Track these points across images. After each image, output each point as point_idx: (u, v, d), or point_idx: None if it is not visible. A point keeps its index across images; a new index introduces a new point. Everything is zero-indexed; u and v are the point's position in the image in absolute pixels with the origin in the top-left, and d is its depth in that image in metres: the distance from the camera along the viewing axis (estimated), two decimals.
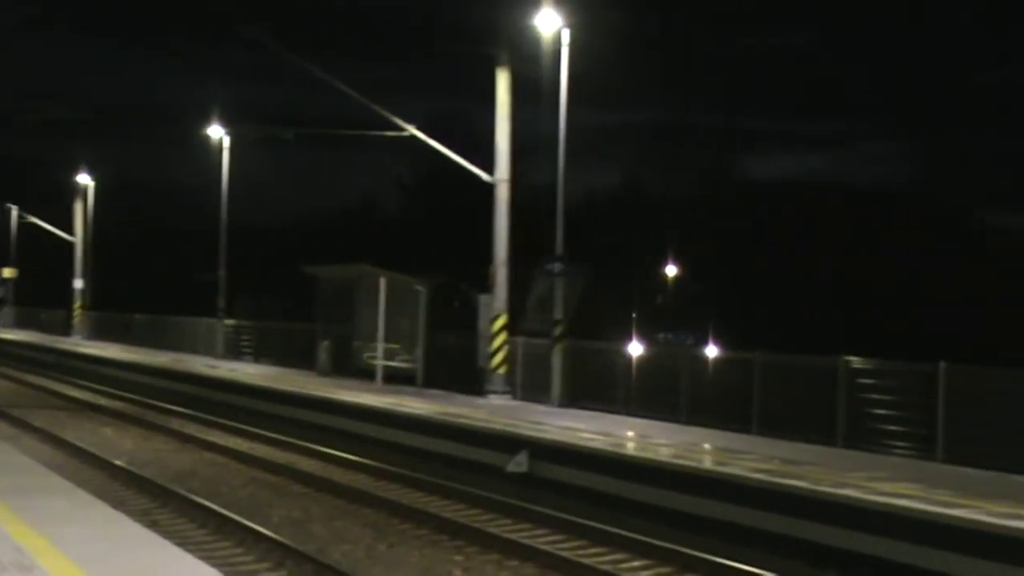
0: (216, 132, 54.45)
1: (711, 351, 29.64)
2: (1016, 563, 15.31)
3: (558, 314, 31.37)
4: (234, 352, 52.89)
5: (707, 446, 23.21)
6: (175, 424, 34.24)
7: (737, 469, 20.23)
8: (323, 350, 42.96)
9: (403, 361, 38.38)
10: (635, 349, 31.35)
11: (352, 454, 27.41)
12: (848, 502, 17.72)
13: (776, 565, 16.51)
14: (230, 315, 54.88)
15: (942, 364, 22.52)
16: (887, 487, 18.31)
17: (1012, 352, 23.29)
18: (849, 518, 17.52)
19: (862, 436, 23.59)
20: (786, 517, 18.45)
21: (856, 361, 24.35)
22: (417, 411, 30.24)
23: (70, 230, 74.60)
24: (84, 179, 73.26)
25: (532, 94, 32.71)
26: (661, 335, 47.08)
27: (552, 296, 31.74)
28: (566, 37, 31.62)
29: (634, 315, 45.44)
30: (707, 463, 20.86)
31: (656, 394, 28.58)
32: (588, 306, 35.60)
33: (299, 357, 45.56)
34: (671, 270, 57.57)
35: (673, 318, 53.08)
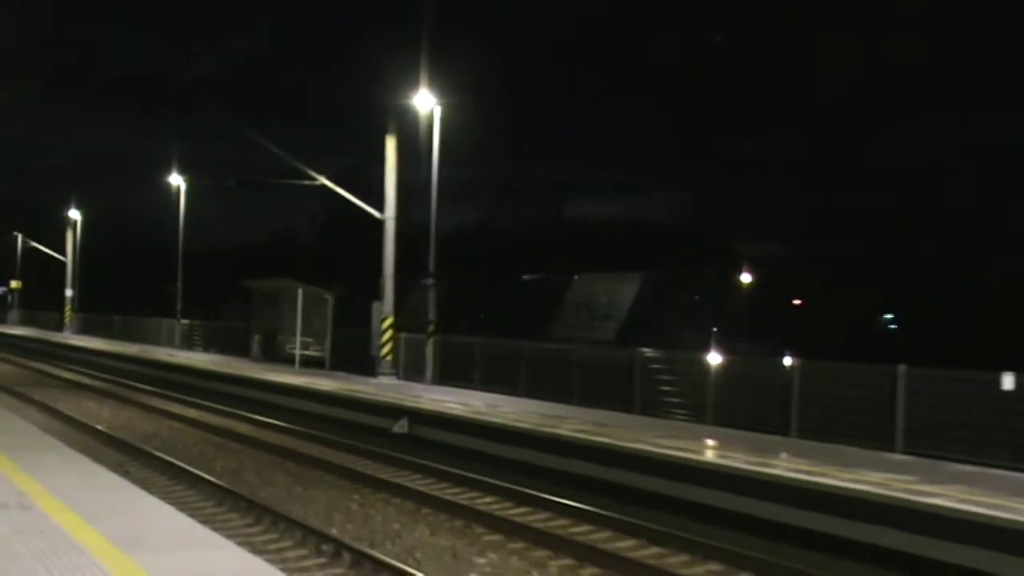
0: (175, 179, 55.52)
1: (542, 344, 29.77)
2: (732, 490, 15.90)
3: (431, 315, 31.85)
4: (188, 344, 52.65)
5: (541, 413, 23.48)
6: (142, 398, 33.84)
7: (562, 430, 20.55)
8: (255, 343, 43.22)
9: (315, 351, 38.52)
10: (481, 339, 31.54)
11: (276, 420, 27.39)
12: (638, 453, 18.13)
13: (589, 501, 16.80)
14: (185, 316, 54.67)
15: (707, 356, 23.01)
16: (669, 443, 18.70)
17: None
18: (644, 466, 17.90)
19: (652, 406, 24.00)
20: (597, 465, 18.79)
21: (648, 353, 24.80)
22: (325, 388, 30.27)
23: (63, 251, 74.36)
24: (73, 213, 73.35)
25: (414, 152, 33.19)
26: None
27: (426, 302, 32.12)
28: (438, 112, 32.20)
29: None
30: (537, 426, 21.11)
31: (502, 374, 28.81)
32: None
33: (237, 348, 45.39)
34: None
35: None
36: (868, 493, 14.15)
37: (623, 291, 37.86)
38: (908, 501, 13.62)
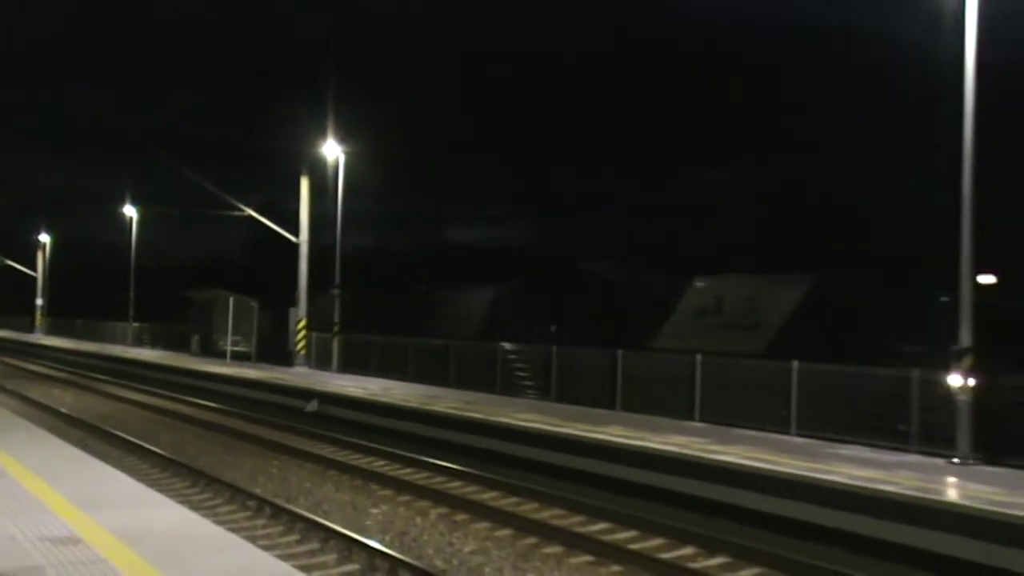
0: (128, 210, 53.98)
1: (426, 340, 29.69)
2: (574, 453, 16.11)
3: (336, 317, 31.62)
4: (139, 343, 51.12)
5: (424, 394, 23.48)
6: (100, 386, 32.77)
7: (439, 407, 20.60)
8: (194, 341, 42.36)
9: (243, 347, 37.91)
10: (377, 336, 31.38)
11: (211, 402, 26.82)
12: (500, 424, 18.28)
13: (461, 462, 16.85)
14: (137, 320, 53.17)
15: (553, 348, 23.30)
16: (523, 415, 18.91)
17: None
18: (503, 434, 18.06)
19: (510, 387, 24.15)
20: (469, 435, 18.89)
21: (507, 346, 24.94)
22: (251, 376, 29.77)
23: (35, 268, 71.84)
24: (43, 237, 71.08)
25: (323, 188, 33.05)
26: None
27: (333, 307, 31.88)
28: (342, 158, 32.34)
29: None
30: (420, 404, 21.13)
31: (394, 364, 28.67)
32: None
33: (179, 346, 44.28)
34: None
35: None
36: (671, 451, 14.54)
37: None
38: (701, 458, 14.04)
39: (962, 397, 14.04)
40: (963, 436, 14.00)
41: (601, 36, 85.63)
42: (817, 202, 53.18)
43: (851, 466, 13.21)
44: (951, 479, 12.43)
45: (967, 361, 14.13)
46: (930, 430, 14.82)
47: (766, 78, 72.84)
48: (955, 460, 13.89)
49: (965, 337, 14.23)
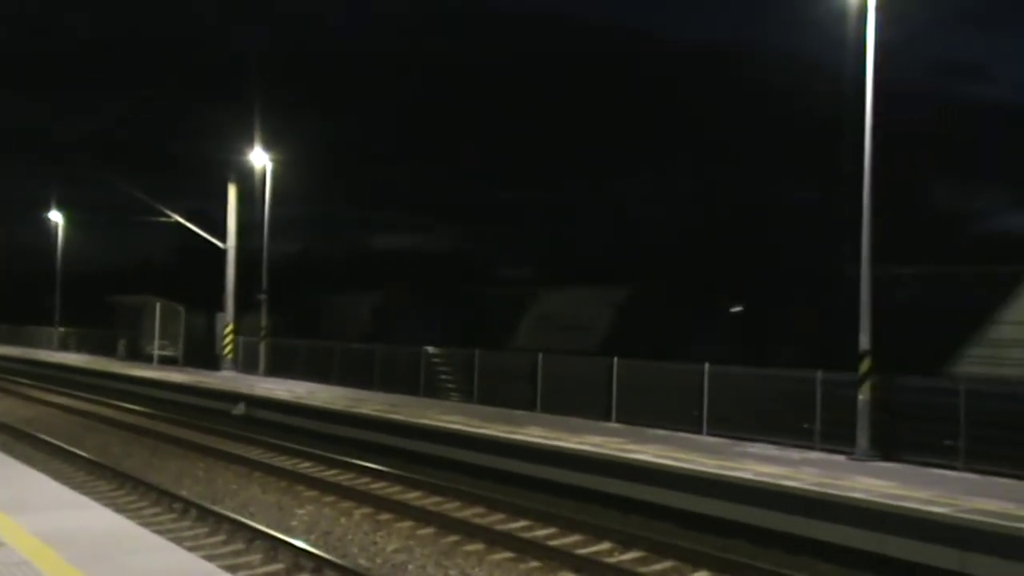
0: (55, 215, 52.37)
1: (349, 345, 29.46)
2: (495, 453, 16.18)
3: (263, 322, 31.22)
4: (64, 347, 49.72)
5: (349, 397, 23.32)
6: (24, 390, 31.78)
7: (364, 409, 20.49)
8: (121, 345, 41.34)
9: (170, 351, 37.19)
10: (303, 340, 31.02)
11: (137, 406, 26.21)
12: (424, 426, 18.25)
13: (385, 463, 16.78)
14: (62, 325, 51.64)
15: (477, 351, 23.34)
16: (446, 417, 18.94)
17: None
18: (426, 435, 18.04)
19: (434, 390, 24.13)
20: (393, 436, 18.82)
21: (431, 350, 24.91)
22: (177, 379, 29.18)
23: None
24: None
25: (252, 196, 32.57)
26: None
27: (260, 312, 31.46)
28: (270, 166, 31.99)
29: None
30: (346, 407, 20.97)
31: (320, 367, 28.42)
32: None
33: (106, 350, 43.13)
34: None
35: None
36: (589, 451, 14.70)
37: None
38: (617, 457, 14.22)
39: (861, 397, 14.50)
40: (862, 433, 14.46)
41: (520, 48, 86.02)
42: (722, 212, 54.36)
43: (758, 463, 13.52)
44: (850, 474, 12.81)
45: (866, 363, 14.60)
46: (832, 428, 15.25)
47: (676, 93, 74.03)
48: (855, 456, 14.33)
49: (864, 340, 14.70)
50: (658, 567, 10.69)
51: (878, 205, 14.88)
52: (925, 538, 10.18)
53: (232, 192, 33.19)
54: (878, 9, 14.88)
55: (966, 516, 10.05)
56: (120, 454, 18.33)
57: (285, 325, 33.87)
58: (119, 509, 11.88)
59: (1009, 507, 10.54)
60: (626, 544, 11.46)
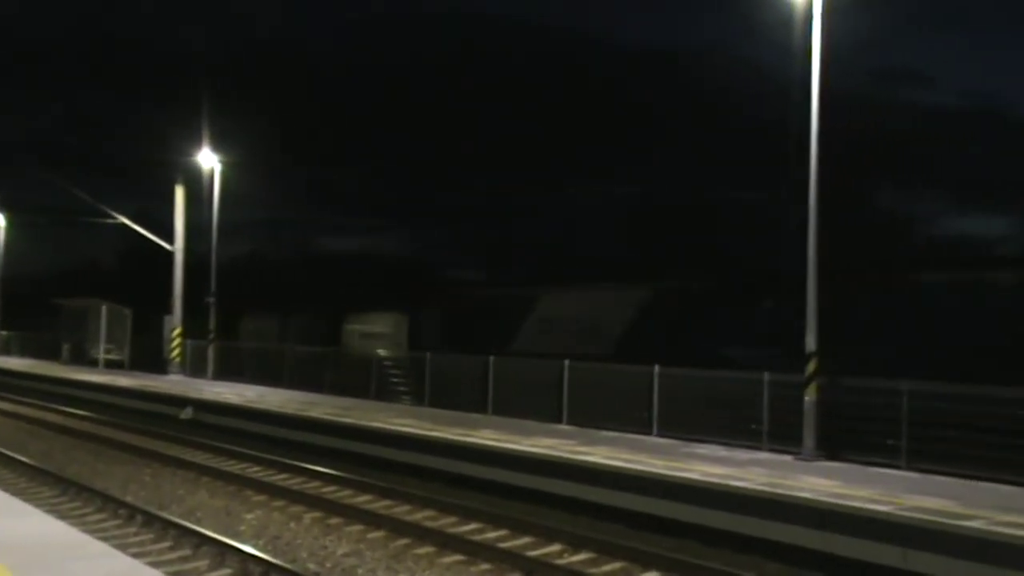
0: None
1: (300, 348, 29.19)
2: (447, 456, 16.16)
3: (211, 325, 30.88)
4: (6, 351, 48.61)
5: (299, 400, 23.13)
6: None
7: (314, 413, 20.35)
8: (65, 349, 40.66)
9: (116, 355, 36.66)
10: (252, 343, 30.67)
11: (81, 411, 25.75)
12: (375, 429, 18.19)
13: (336, 467, 16.69)
14: (4, 329, 50.50)
15: (428, 354, 23.31)
16: (397, 420, 18.88)
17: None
18: (377, 438, 17.97)
19: (385, 394, 24.02)
20: (343, 439, 18.72)
21: (382, 353, 24.82)
22: (123, 384, 28.76)
23: None
24: None
25: (200, 198, 32.18)
26: None
27: (209, 315, 31.11)
28: (218, 168, 31.72)
29: None
30: (296, 411, 20.81)
31: (270, 371, 28.16)
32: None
33: (50, 354, 42.27)
34: None
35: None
36: (540, 453, 14.75)
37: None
38: (568, 459, 14.29)
39: (807, 398, 14.73)
40: (808, 434, 14.69)
41: (465, 49, 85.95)
42: (676, 215, 54.91)
43: (707, 464, 13.68)
44: (796, 474, 13.00)
45: (812, 365, 14.84)
46: (780, 428, 15.47)
47: (627, 96, 74.55)
48: (801, 456, 14.56)
49: (811, 342, 14.94)
50: (608, 568, 10.76)
51: (824, 209, 15.14)
52: (868, 536, 10.37)
53: (180, 194, 32.80)
54: (824, 15, 15.15)
55: (907, 514, 10.27)
56: (63, 460, 18.00)
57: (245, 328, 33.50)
58: (62, 516, 11.66)
59: (948, 505, 10.79)
60: (576, 545, 11.52)
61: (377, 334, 29.36)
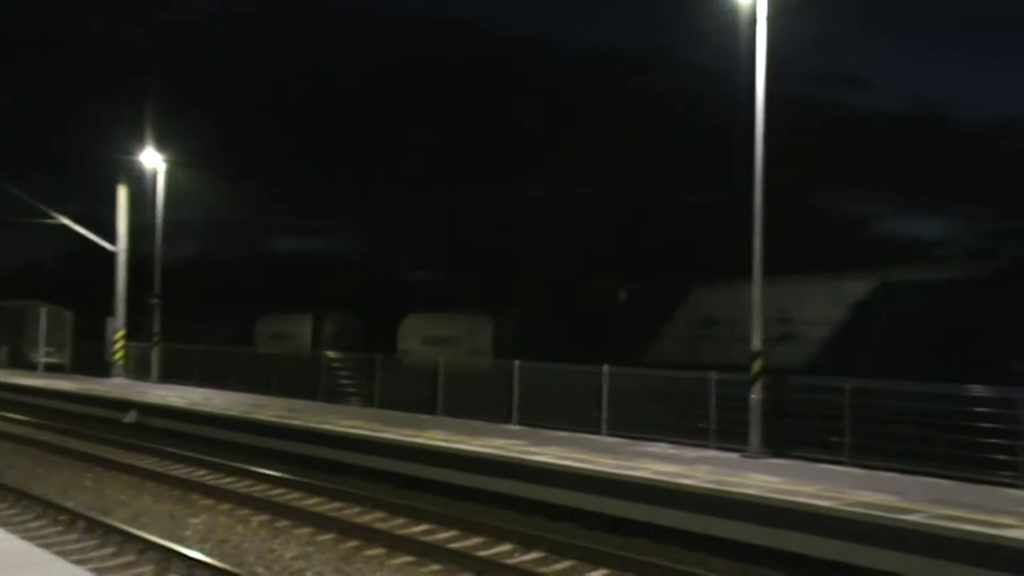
0: None
1: (247, 350, 28.88)
2: (396, 457, 16.09)
3: (155, 327, 30.42)
4: None
5: (246, 403, 22.87)
6: None
7: (262, 415, 20.15)
8: (2, 352, 39.73)
9: (57, 358, 35.95)
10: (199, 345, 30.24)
11: (19, 415, 25.21)
12: (323, 431, 18.06)
13: (284, 470, 16.54)
14: None
15: (377, 356, 23.19)
16: (346, 422, 18.76)
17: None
18: (326, 440, 17.84)
19: (334, 395, 23.87)
20: (291, 442, 18.55)
21: (331, 355, 24.66)
22: (64, 387, 28.22)
23: None
24: None
25: (144, 198, 31.67)
26: None
27: (154, 317, 30.66)
28: (162, 167, 31.22)
29: None
30: (242, 413, 20.58)
31: (216, 373, 27.81)
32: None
33: None
34: None
35: None
36: (490, 453, 14.77)
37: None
38: (518, 459, 14.32)
39: (753, 396, 14.94)
40: (754, 432, 14.90)
41: (413, 51, 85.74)
42: (621, 216, 55.36)
43: (655, 462, 13.80)
44: (742, 471, 13.17)
45: (758, 363, 15.05)
46: (727, 426, 15.66)
47: (575, 98, 74.99)
48: (747, 454, 14.76)
49: (756, 341, 15.16)
50: (558, 567, 10.81)
51: (768, 210, 15.36)
52: (813, 531, 10.55)
53: (122, 193, 32.22)
54: (769, 20, 15.38)
55: (850, 509, 10.47)
56: (1, 465, 17.58)
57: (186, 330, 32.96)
58: (0, 523, 11.40)
59: (890, 499, 11.01)
60: (527, 545, 11.56)
61: (443, 338, 26.40)
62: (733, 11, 15.79)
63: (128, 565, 10.55)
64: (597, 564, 10.75)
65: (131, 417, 23.40)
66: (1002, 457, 12.56)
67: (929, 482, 12.47)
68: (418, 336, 28.07)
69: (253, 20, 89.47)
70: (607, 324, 24.01)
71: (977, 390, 13.21)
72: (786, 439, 14.93)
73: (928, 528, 9.71)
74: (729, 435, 15.50)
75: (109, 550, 11.16)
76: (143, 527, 12.20)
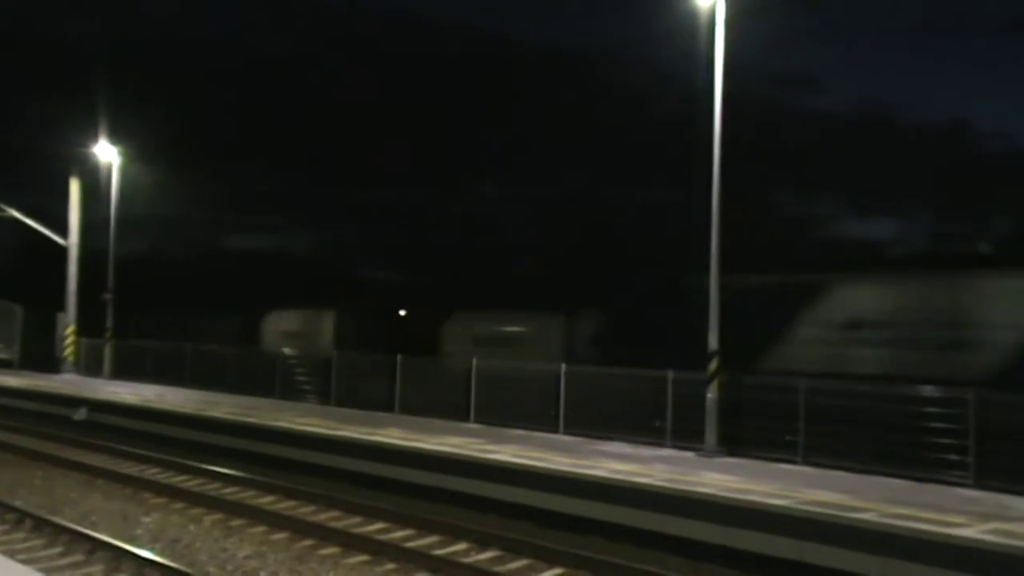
0: None
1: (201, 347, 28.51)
2: (353, 455, 15.99)
3: (108, 323, 29.93)
4: None
5: (200, 400, 22.58)
6: None
7: (216, 413, 19.92)
8: None
9: (5, 354, 35.16)
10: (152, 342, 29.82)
11: None
12: (279, 429, 17.89)
13: (238, 468, 16.36)
14: None
15: (334, 353, 22.97)
16: (303, 420, 18.60)
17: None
18: (281, 438, 17.68)
19: (290, 392, 23.66)
20: (246, 439, 18.35)
21: (287, 352, 24.43)
22: (11, 384, 27.66)
23: None
24: None
25: (97, 193, 31.11)
26: None
27: (106, 312, 30.16)
28: (117, 160, 30.65)
29: None
30: (196, 410, 20.32)
31: (170, 370, 27.43)
32: None
33: None
34: None
35: None
36: (447, 452, 14.71)
37: None
38: (475, 457, 14.28)
39: (709, 395, 15.04)
40: (710, 431, 15.00)
41: (372, 48, 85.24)
42: (588, 215, 55.53)
43: (612, 461, 13.84)
44: (698, 470, 13.25)
45: (714, 363, 15.15)
46: (683, 426, 15.74)
47: (535, 97, 74.99)
48: (703, 453, 14.85)
49: (712, 340, 15.26)
50: (513, 566, 10.79)
51: (725, 211, 15.47)
52: (767, 529, 10.63)
53: (74, 187, 31.64)
54: (727, 23, 15.49)
55: (803, 508, 10.56)
56: None
57: (143, 326, 32.44)
58: None
59: (843, 498, 11.14)
60: (483, 544, 11.52)
61: (504, 338, 23.61)
62: (693, 14, 15.87)
63: (77, 565, 10.35)
64: (553, 563, 10.74)
65: (82, 414, 22.99)
66: (953, 457, 12.76)
67: (881, 481, 12.64)
68: (468, 337, 24.69)
69: (216, 16, 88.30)
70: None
71: (928, 391, 13.42)
72: (742, 438, 15.05)
73: (881, 527, 9.82)
74: (685, 434, 15.58)
75: (57, 549, 10.94)
76: (93, 526, 11.98)
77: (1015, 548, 8.95)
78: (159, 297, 42.30)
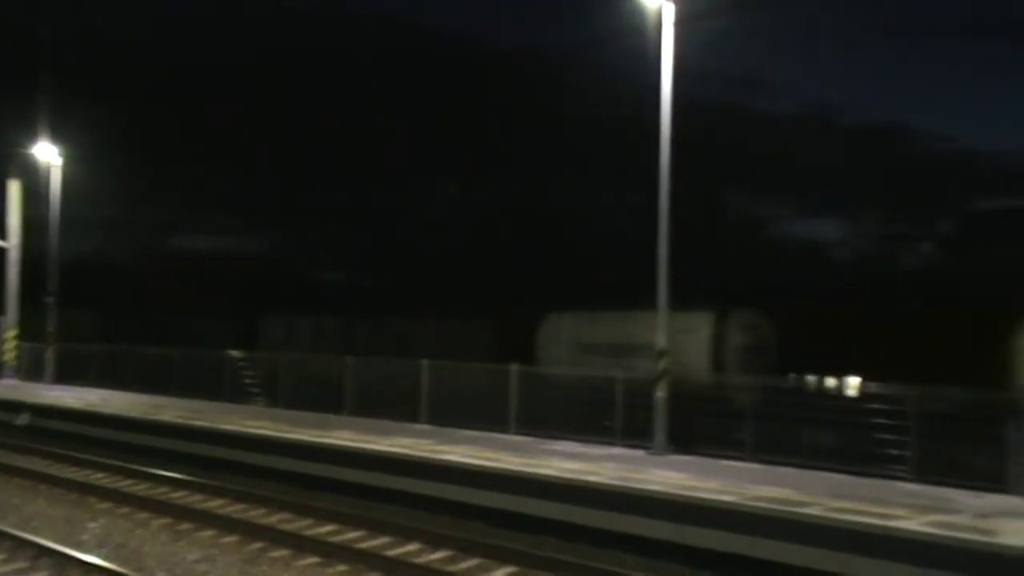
0: None
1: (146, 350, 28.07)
2: (302, 457, 15.88)
3: (50, 327, 29.31)
4: None
5: (147, 404, 22.25)
6: None
7: (163, 416, 19.66)
8: None
9: None
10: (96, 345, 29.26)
11: None
12: (228, 432, 17.71)
13: (185, 471, 16.20)
14: None
15: (282, 355, 22.79)
16: (252, 423, 18.44)
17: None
18: (231, 441, 17.49)
19: (239, 395, 23.40)
20: (194, 443, 18.15)
21: (236, 355, 24.17)
22: None
23: None
24: None
25: (39, 193, 30.39)
26: None
27: (48, 315, 29.52)
28: (58, 160, 30.02)
29: None
30: (143, 414, 20.02)
31: (115, 374, 26.95)
32: None
33: None
34: None
35: None
36: (398, 453, 14.68)
37: None
38: (426, 458, 14.28)
39: (658, 394, 15.20)
40: (660, 429, 15.16)
41: (336, 47, 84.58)
42: (538, 218, 55.67)
43: (562, 460, 13.92)
44: (648, 468, 13.39)
45: (663, 362, 15.32)
46: (633, 425, 15.89)
47: (494, 97, 74.99)
48: (653, 451, 15.01)
49: (661, 340, 15.42)
50: (466, 565, 10.81)
51: (674, 211, 15.64)
52: (716, 526, 10.78)
53: (14, 188, 30.88)
54: (676, 24, 15.68)
55: (751, 503, 10.73)
56: None
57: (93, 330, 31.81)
58: None
59: (789, 493, 11.34)
60: (435, 544, 11.53)
61: (622, 346, 22.23)
62: (642, 15, 16.03)
63: (21, 572, 10.16)
64: (505, 562, 10.79)
65: (23, 419, 22.53)
66: (894, 452, 13.05)
67: (825, 476, 12.88)
68: (570, 341, 23.32)
69: (164, 17, 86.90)
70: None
71: (870, 387, 13.72)
72: (691, 436, 15.24)
73: (825, 520, 10.02)
74: (636, 433, 15.73)
75: (0, 556, 10.73)
76: (36, 531, 11.77)
77: (954, 540, 9.19)
78: (108, 298, 41.54)
